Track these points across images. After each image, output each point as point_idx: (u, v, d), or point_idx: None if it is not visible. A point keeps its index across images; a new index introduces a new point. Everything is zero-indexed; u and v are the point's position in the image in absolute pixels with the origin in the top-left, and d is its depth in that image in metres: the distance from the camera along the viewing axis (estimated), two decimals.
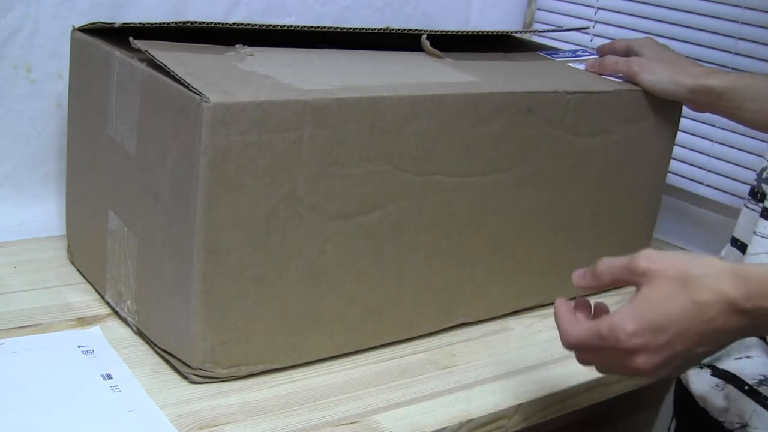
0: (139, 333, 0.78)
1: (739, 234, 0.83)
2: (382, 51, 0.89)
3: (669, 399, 0.91)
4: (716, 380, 0.78)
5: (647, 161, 0.99)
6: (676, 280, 0.60)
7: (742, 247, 0.82)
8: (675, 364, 0.62)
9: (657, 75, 0.94)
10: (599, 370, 0.67)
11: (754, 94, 0.89)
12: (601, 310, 0.68)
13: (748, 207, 0.82)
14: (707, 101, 0.93)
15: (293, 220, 0.72)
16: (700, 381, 0.80)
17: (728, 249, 0.84)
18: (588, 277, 0.67)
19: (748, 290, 0.59)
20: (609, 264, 0.65)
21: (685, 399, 0.84)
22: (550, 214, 0.91)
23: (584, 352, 0.66)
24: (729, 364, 0.78)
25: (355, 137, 0.73)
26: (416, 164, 0.78)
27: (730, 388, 0.77)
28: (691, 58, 0.98)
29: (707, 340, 0.61)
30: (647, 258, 0.62)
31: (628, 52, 0.99)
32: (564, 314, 0.67)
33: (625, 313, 0.62)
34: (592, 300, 0.69)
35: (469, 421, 0.74)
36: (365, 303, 0.80)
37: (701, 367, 0.80)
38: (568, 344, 0.66)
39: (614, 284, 0.66)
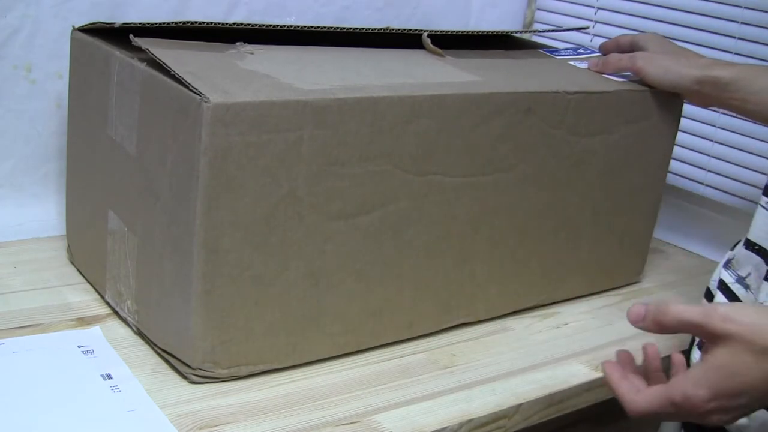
0: (139, 333, 0.78)
1: (755, 236, 0.80)
2: (382, 49, 0.89)
3: None
4: None
5: (647, 161, 0.99)
6: (751, 347, 0.59)
7: (762, 253, 0.79)
8: (739, 416, 0.63)
9: (663, 67, 0.93)
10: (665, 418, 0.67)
11: (759, 86, 0.88)
12: (657, 368, 0.68)
13: (763, 206, 0.79)
14: (712, 93, 0.92)
15: (293, 220, 0.72)
16: None
17: (745, 254, 0.81)
18: (649, 321, 0.65)
19: None
20: (678, 317, 0.63)
21: None
22: (550, 214, 0.91)
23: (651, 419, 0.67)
24: None
25: (355, 137, 0.73)
26: (416, 164, 0.78)
27: None
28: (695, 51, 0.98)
29: None
30: (724, 318, 0.60)
31: (632, 47, 0.99)
32: (619, 382, 0.66)
33: (699, 380, 0.61)
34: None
35: (469, 421, 0.74)
36: (365, 303, 0.80)
37: None
38: (637, 413, 0.65)
39: (677, 332, 0.65)
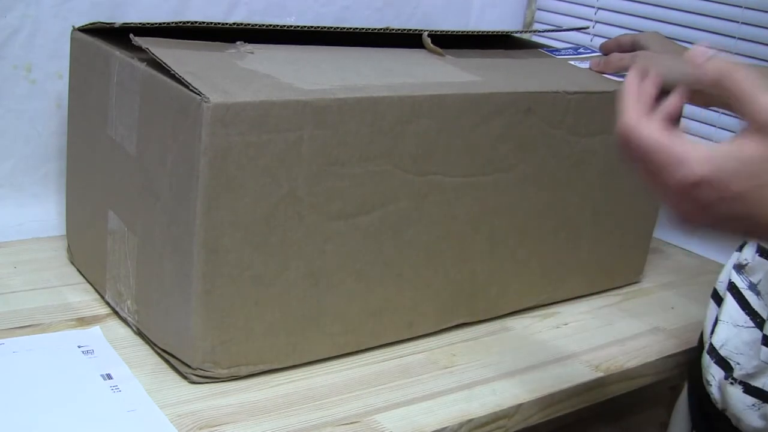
0: (139, 333, 0.78)
1: None
2: (382, 48, 0.89)
3: (680, 406, 0.90)
4: (752, 399, 0.75)
5: None
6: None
7: None
8: (713, 224, 0.53)
9: (665, 66, 0.92)
10: (637, 174, 0.56)
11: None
12: (676, 112, 0.55)
13: None
14: (714, 92, 0.91)
15: (293, 220, 0.72)
16: (732, 399, 0.76)
17: (758, 260, 0.79)
18: (705, 68, 0.55)
19: None
20: (728, 73, 0.53)
21: (710, 414, 0.80)
22: (550, 214, 0.91)
23: (630, 149, 0.55)
24: (764, 382, 0.74)
25: (355, 137, 0.73)
26: (416, 164, 0.78)
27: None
28: None
29: (758, 217, 0.51)
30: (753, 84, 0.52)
31: (633, 46, 0.98)
32: (634, 96, 0.56)
33: (707, 159, 0.51)
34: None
35: (469, 421, 0.74)
36: (365, 303, 0.80)
37: (732, 383, 0.76)
38: (626, 136, 0.55)
39: (715, 90, 0.54)
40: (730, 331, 0.78)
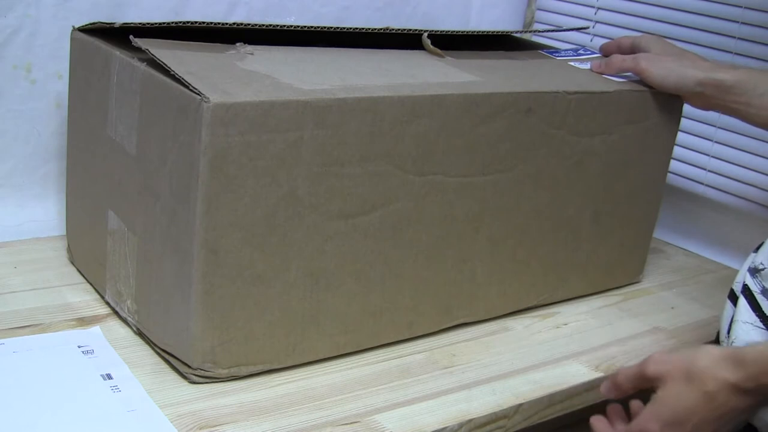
0: (139, 333, 0.78)
1: None
2: (382, 49, 0.89)
3: None
4: None
5: (647, 161, 0.99)
6: (684, 378, 0.69)
7: None
8: None
9: (666, 69, 0.93)
10: None
11: (763, 89, 0.88)
12: (635, 411, 0.76)
13: None
14: (715, 96, 0.91)
15: (293, 220, 0.72)
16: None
17: None
18: (612, 388, 0.77)
19: (746, 373, 0.67)
20: (624, 375, 0.75)
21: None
22: (550, 214, 0.91)
23: None
24: None
25: (355, 137, 0.73)
26: (416, 164, 0.78)
27: None
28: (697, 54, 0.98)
29: (723, 421, 0.69)
30: (655, 362, 0.72)
31: (634, 48, 0.98)
32: (602, 429, 0.76)
33: (648, 415, 0.71)
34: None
35: (469, 421, 0.74)
36: (365, 303, 0.80)
37: None
38: None
39: (636, 390, 0.75)
40: (740, 329, 0.80)
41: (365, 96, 0.73)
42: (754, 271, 0.80)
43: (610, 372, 0.84)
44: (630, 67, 0.95)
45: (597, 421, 0.76)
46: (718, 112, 0.96)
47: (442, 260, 0.84)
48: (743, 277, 0.82)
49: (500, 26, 1.35)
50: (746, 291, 0.80)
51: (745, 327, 0.79)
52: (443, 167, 0.80)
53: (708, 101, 0.93)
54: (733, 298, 0.83)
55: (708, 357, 0.69)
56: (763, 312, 0.78)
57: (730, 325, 0.81)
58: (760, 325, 0.78)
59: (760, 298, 0.79)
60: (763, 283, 0.79)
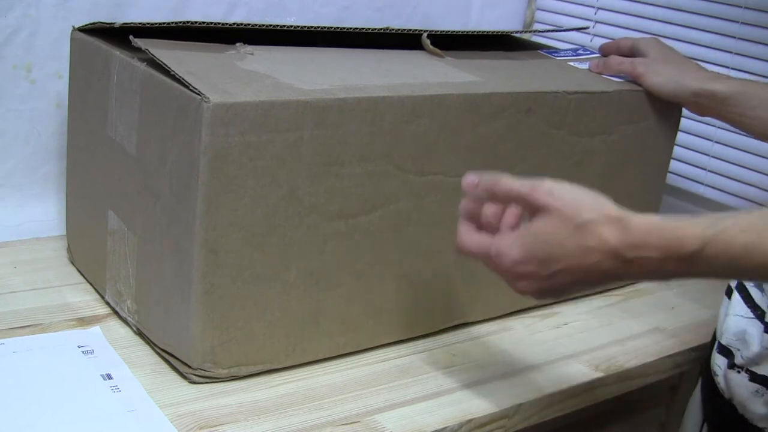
0: (139, 333, 0.78)
1: None
2: (382, 49, 0.89)
3: (691, 403, 0.91)
4: (756, 386, 0.77)
5: (647, 161, 0.99)
6: (566, 222, 0.63)
7: None
8: (554, 293, 0.66)
9: (662, 77, 0.94)
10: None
11: (757, 101, 0.89)
12: (508, 225, 0.68)
13: None
14: (710, 106, 0.92)
15: (293, 220, 0.72)
16: (738, 387, 0.78)
17: None
18: (482, 188, 0.69)
19: (630, 240, 0.61)
20: (507, 187, 0.67)
21: (719, 404, 0.82)
22: None
23: (471, 256, 0.70)
24: None
25: (355, 137, 0.73)
26: (416, 164, 0.78)
27: None
28: (695, 61, 0.98)
29: (587, 280, 0.64)
30: (548, 192, 0.65)
31: (632, 51, 0.99)
32: (464, 217, 0.70)
33: (514, 241, 0.65)
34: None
35: (469, 421, 0.74)
36: (365, 303, 0.80)
37: (738, 372, 0.78)
38: (461, 250, 0.70)
39: (503, 202, 0.68)
40: (731, 321, 0.80)
41: (365, 96, 0.73)
42: None
43: (611, 372, 0.85)
44: (628, 70, 0.96)
45: (466, 202, 0.70)
46: (714, 118, 0.96)
47: (442, 260, 0.84)
48: None
49: (500, 26, 1.35)
50: (740, 285, 0.81)
51: (735, 319, 0.80)
52: (443, 167, 0.80)
53: (704, 110, 0.94)
54: (729, 293, 0.84)
55: (596, 212, 0.63)
56: (754, 302, 0.79)
57: (725, 321, 0.82)
58: (750, 315, 0.79)
59: (753, 290, 0.80)
60: None
